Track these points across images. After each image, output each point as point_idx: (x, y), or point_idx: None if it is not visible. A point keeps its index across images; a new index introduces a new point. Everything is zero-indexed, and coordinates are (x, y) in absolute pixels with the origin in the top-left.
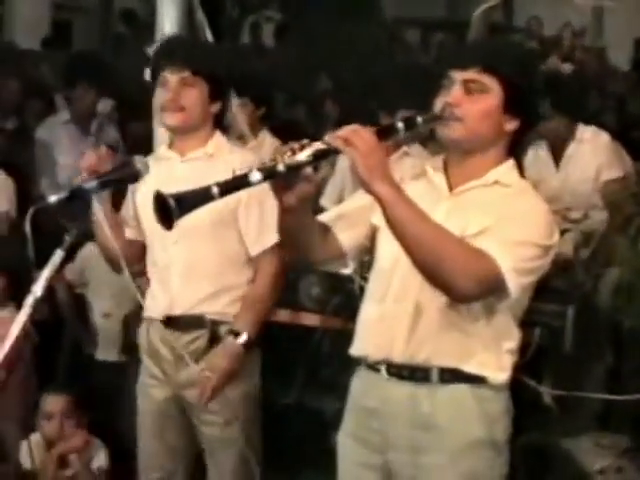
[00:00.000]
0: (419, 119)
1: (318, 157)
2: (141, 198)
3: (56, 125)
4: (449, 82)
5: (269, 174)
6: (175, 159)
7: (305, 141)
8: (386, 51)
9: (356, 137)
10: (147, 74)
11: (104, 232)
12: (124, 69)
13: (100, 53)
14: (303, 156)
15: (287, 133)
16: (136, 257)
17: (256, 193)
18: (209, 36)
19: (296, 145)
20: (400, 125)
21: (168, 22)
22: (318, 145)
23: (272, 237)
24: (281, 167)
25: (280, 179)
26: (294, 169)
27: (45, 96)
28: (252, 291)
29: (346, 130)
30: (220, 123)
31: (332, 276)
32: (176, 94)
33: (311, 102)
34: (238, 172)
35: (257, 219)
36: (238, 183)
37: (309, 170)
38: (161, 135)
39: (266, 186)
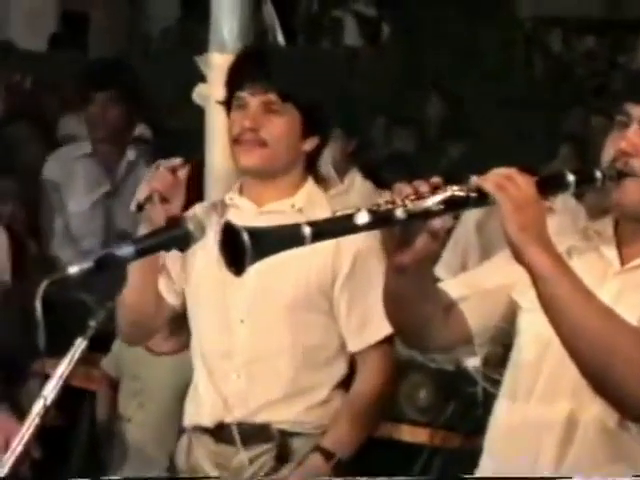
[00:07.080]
0: (598, 174)
1: (451, 206)
2: (200, 262)
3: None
4: (626, 119)
5: (382, 219)
6: (249, 210)
7: (436, 179)
8: (522, 60)
9: (510, 184)
10: (197, 94)
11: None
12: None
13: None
14: (432, 202)
15: (387, 173)
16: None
17: (362, 262)
18: (280, 37)
19: (425, 186)
20: (571, 178)
21: (226, 21)
22: (454, 189)
23: (383, 328)
24: (400, 213)
25: (395, 229)
26: (417, 217)
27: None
28: (352, 398)
29: (498, 174)
30: (314, 165)
31: (445, 375)
32: (257, 123)
33: (420, 130)
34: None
35: (363, 301)
36: (339, 226)
37: (437, 223)
38: (216, 175)
39: (378, 255)
